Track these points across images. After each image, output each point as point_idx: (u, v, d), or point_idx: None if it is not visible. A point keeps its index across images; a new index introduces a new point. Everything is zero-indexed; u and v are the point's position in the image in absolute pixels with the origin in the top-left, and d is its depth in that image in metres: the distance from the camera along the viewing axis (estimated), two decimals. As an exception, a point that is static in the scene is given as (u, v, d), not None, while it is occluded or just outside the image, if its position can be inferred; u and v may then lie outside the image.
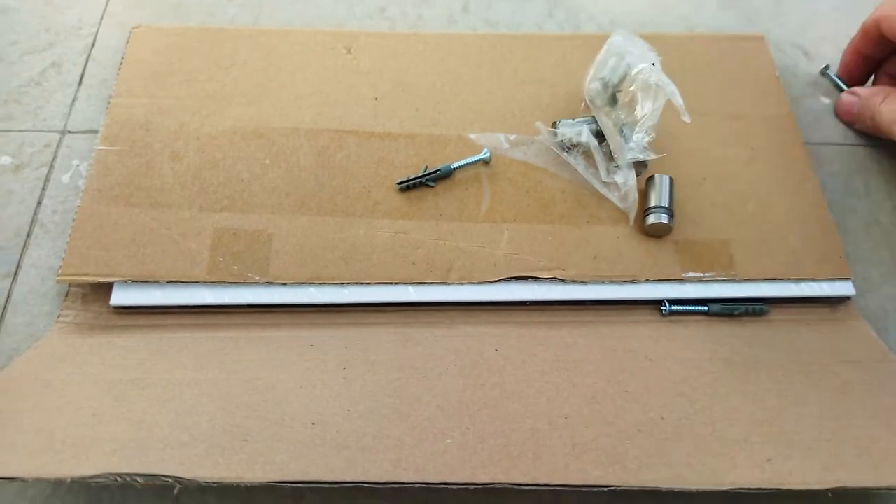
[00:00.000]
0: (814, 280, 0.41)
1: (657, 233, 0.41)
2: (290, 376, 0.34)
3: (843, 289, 0.41)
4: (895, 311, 0.43)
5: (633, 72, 0.40)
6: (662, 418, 0.32)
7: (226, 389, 0.33)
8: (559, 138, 0.43)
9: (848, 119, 0.49)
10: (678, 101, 0.39)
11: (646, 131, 0.40)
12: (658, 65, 0.40)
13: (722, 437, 0.31)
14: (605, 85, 0.42)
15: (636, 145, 0.40)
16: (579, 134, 0.42)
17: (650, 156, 0.40)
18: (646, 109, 0.40)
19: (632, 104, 0.41)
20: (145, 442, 0.30)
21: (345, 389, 0.33)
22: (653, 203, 0.41)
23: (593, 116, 0.43)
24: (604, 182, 0.42)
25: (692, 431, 0.31)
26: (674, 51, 0.49)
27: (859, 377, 0.37)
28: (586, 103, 0.44)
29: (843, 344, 0.39)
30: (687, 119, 0.39)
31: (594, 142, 0.42)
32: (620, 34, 0.42)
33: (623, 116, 0.41)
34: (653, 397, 0.33)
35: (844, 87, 0.50)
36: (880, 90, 0.46)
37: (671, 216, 0.41)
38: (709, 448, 0.31)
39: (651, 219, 0.41)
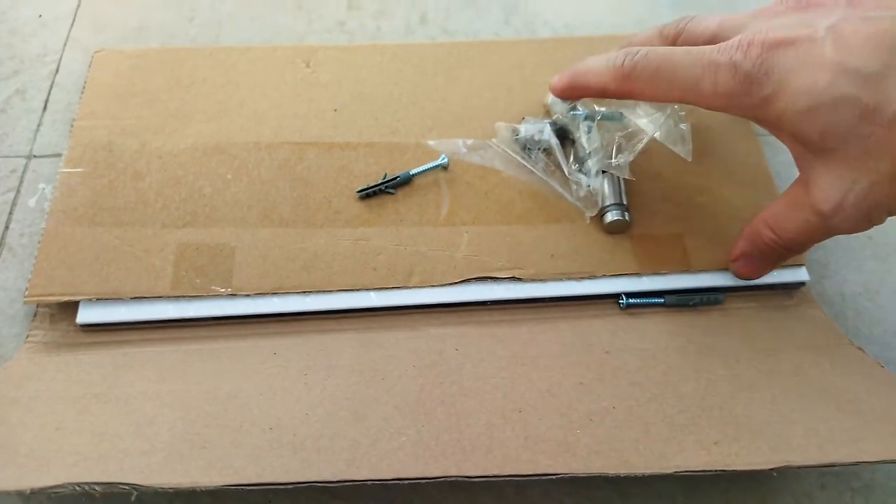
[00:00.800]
0: (768, 268, 0.42)
1: (615, 230, 0.42)
2: (252, 384, 0.35)
3: (797, 274, 0.42)
4: (852, 296, 0.44)
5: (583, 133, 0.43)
6: (614, 407, 0.33)
7: (187, 400, 0.34)
8: (521, 135, 0.44)
9: None
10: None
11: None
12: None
13: (672, 422, 0.32)
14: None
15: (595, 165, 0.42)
16: (541, 132, 0.43)
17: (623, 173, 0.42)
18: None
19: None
20: (106, 452, 0.30)
21: (304, 394, 0.34)
22: (609, 201, 0.42)
23: (555, 116, 0.44)
24: (564, 180, 0.43)
25: (642, 419, 0.32)
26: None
27: (813, 361, 0.38)
28: (546, 108, 0.46)
29: (797, 329, 0.40)
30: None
31: (555, 140, 0.43)
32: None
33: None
34: (606, 388, 0.34)
35: None
36: None
37: (628, 212, 0.42)
38: (658, 434, 0.31)
39: (609, 216, 0.42)
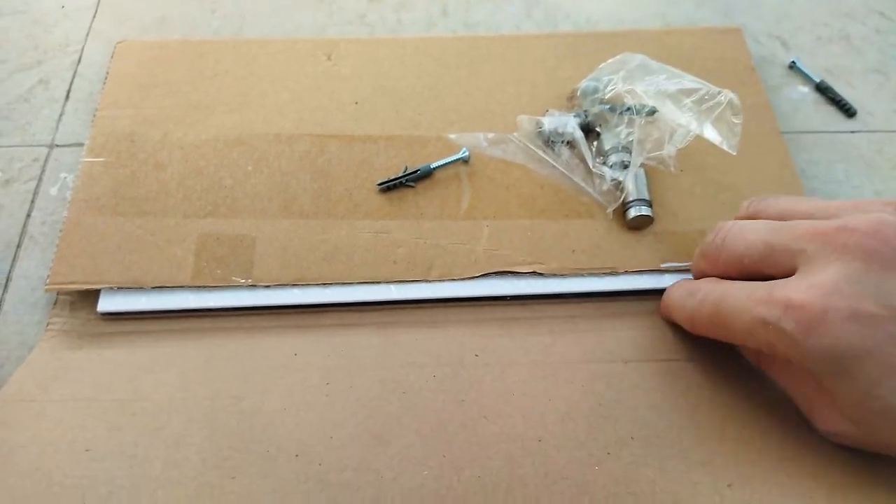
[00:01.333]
0: (793, 266, 0.41)
1: (639, 225, 0.42)
2: (275, 396, 0.35)
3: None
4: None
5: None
6: (632, 438, 0.33)
7: (212, 415, 0.34)
8: (545, 128, 0.44)
9: None
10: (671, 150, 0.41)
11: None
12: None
13: (687, 457, 0.32)
14: (597, 88, 0.44)
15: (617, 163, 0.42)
16: (565, 125, 0.43)
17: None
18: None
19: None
20: (138, 482, 0.31)
21: (327, 411, 0.34)
22: (633, 196, 0.42)
23: (580, 111, 0.44)
24: (587, 174, 0.43)
25: (660, 453, 0.32)
26: (650, 46, 0.50)
27: None
28: (575, 95, 0.45)
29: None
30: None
31: (580, 133, 0.43)
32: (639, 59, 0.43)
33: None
34: (625, 411, 0.34)
35: (815, 78, 0.51)
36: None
37: (652, 208, 0.41)
38: (673, 472, 0.31)
39: (633, 212, 0.41)
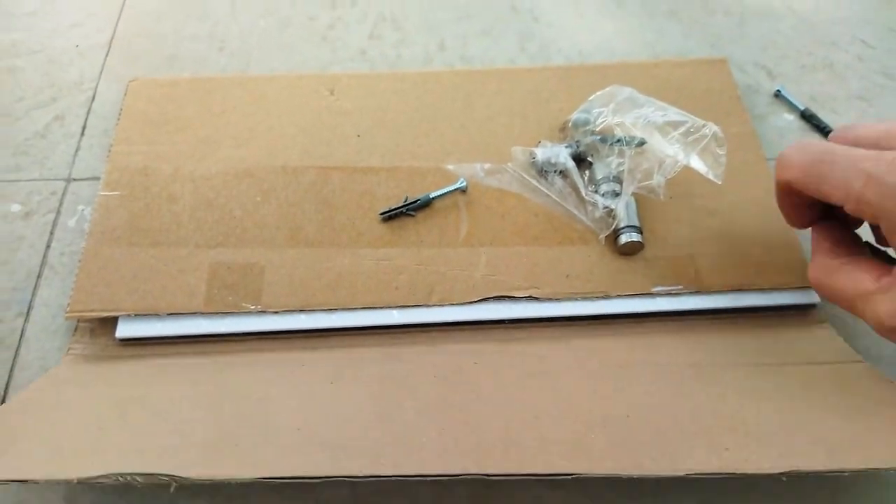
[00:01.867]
0: (779, 289, 0.43)
1: (630, 251, 0.44)
2: (282, 390, 0.37)
3: (808, 297, 0.43)
4: (860, 315, 0.45)
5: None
6: (628, 416, 0.34)
7: (219, 402, 0.36)
8: (538, 158, 0.46)
9: None
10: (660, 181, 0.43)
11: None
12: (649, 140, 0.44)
13: (683, 430, 0.34)
14: (588, 120, 0.46)
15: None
16: (558, 155, 0.45)
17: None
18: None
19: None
20: (145, 448, 0.33)
21: (331, 399, 0.36)
22: (624, 223, 0.43)
23: (572, 142, 0.46)
24: (580, 202, 0.45)
25: (655, 426, 0.34)
26: (640, 78, 0.52)
27: (823, 376, 0.39)
28: (567, 127, 0.48)
29: (808, 348, 0.42)
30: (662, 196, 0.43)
31: (572, 163, 0.45)
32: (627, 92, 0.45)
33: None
34: (621, 397, 0.36)
35: (799, 105, 0.53)
36: (837, 267, 0.36)
37: (642, 234, 0.43)
38: (670, 440, 0.33)
39: (624, 238, 0.43)
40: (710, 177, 0.42)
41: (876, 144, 0.33)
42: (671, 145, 0.43)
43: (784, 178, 0.36)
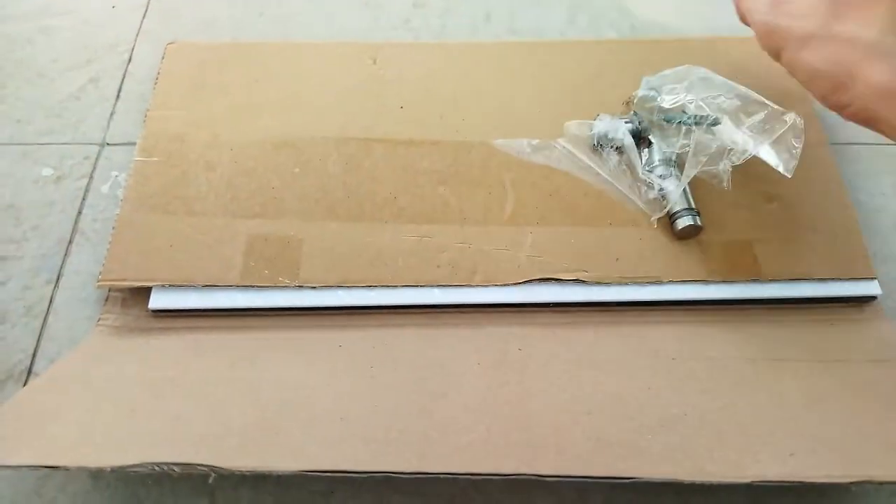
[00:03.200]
0: (839, 280, 0.41)
1: (687, 235, 0.42)
2: (319, 375, 0.35)
3: (868, 288, 0.41)
4: (923, 310, 0.43)
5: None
6: (685, 414, 0.32)
7: (257, 387, 0.34)
8: (595, 131, 0.44)
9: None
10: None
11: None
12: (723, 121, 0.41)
13: (745, 432, 0.32)
14: (655, 96, 0.44)
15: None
16: (617, 130, 0.43)
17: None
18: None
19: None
20: (181, 435, 0.31)
21: (372, 387, 0.34)
22: (680, 206, 0.41)
23: (633, 117, 0.44)
24: (633, 182, 0.43)
25: (715, 427, 0.32)
26: (697, 54, 0.49)
27: (885, 376, 0.37)
28: (632, 101, 0.45)
29: (868, 343, 0.39)
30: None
31: (630, 139, 0.43)
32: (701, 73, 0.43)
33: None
34: (676, 395, 0.34)
35: None
36: None
37: (700, 217, 0.41)
38: (732, 443, 0.31)
39: (682, 222, 0.41)
40: (781, 169, 0.40)
41: None
42: (742, 132, 0.41)
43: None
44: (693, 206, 0.41)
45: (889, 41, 0.31)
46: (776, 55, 0.35)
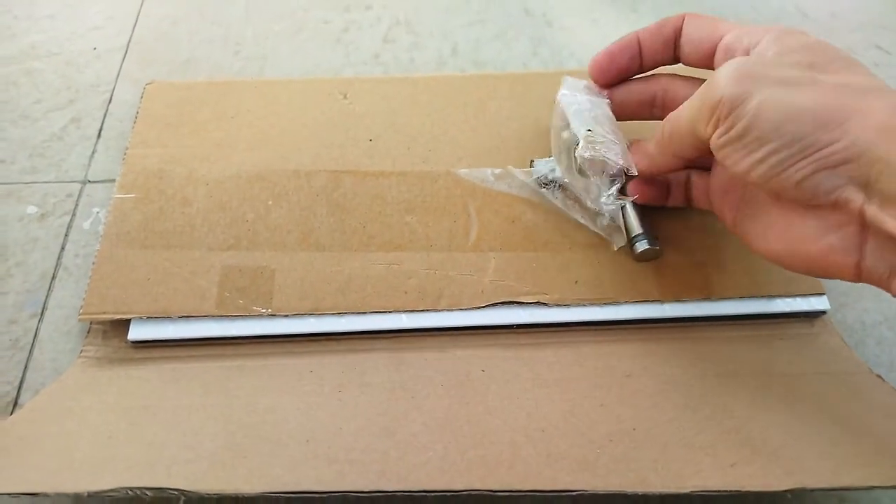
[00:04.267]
0: (789, 296, 0.43)
1: (646, 258, 0.43)
2: (289, 399, 0.37)
3: (818, 303, 0.43)
4: (872, 324, 0.45)
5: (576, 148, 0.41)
6: (634, 429, 0.34)
7: (228, 412, 0.36)
8: (535, 176, 0.46)
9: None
10: (619, 162, 0.40)
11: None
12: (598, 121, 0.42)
13: (690, 444, 0.34)
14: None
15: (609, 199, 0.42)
16: (553, 171, 0.45)
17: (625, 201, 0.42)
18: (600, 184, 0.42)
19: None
20: (154, 460, 0.33)
21: (339, 410, 0.36)
22: (637, 231, 0.43)
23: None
24: (585, 211, 0.45)
25: (661, 440, 0.34)
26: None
27: (831, 388, 0.39)
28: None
29: (817, 356, 0.41)
30: (634, 172, 0.40)
31: (566, 178, 0.45)
32: (567, 86, 0.44)
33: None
34: (627, 410, 0.36)
35: None
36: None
37: (657, 240, 0.43)
38: (676, 455, 0.33)
39: (640, 246, 0.42)
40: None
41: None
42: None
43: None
44: (648, 230, 0.43)
45: (878, 82, 0.30)
46: (742, 101, 0.30)
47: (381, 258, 0.44)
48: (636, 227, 0.43)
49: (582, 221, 0.45)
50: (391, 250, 0.44)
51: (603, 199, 0.42)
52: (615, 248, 0.44)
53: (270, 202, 0.46)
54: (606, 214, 0.43)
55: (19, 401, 0.41)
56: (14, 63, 0.56)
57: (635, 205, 0.43)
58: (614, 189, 0.41)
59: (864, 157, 0.27)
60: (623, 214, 0.43)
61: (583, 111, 0.42)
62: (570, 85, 0.44)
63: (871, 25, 0.59)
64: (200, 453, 0.33)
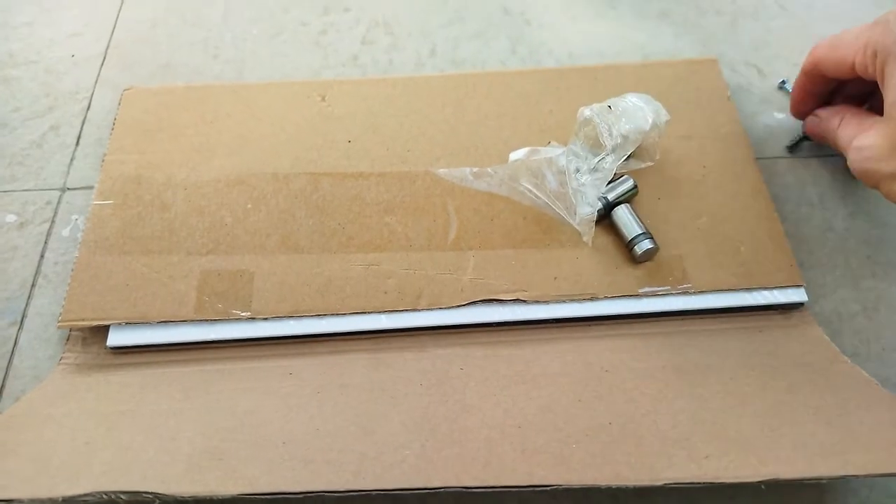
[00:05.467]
0: (766, 288, 0.43)
1: (647, 258, 0.44)
2: (269, 402, 0.37)
3: (795, 295, 0.43)
4: (849, 315, 0.45)
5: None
6: (610, 423, 0.34)
7: (207, 416, 0.36)
8: (531, 160, 0.46)
9: (818, 139, 0.49)
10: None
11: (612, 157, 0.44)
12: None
13: (664, 437, 0.34)
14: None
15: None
16: (559, 158, 0.46)
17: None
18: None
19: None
20: (131, 464, 0.33)
21: (317, 411, 0.36)
22: (636, 231, 0.43)
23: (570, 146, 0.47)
24: (569, 205, 0.45)
25: (636, 434, 0.34)
26: (630, 80, 0.52)
27: (807, 378, 0.39)
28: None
29: (794, 348, 0.42)
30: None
31: (569, 166, 0.45)
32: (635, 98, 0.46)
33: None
34: (603, 405, 0.36)
35: None
36: (836, 113, 0.46)
37: (653, 239, 0.43)
38: (650, 448, 0.33)
39: (641, 247, 0.43)
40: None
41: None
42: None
43: (811, 59, 0.46)
44: (645, 229, 0.43)
45: None
46: (875, 187, 0.41)
47: (361, 259, 0.44)
48: (636, 227, 0.43)
49: (563, 214, 0.45)
50: (370, 251, 0.44)
51: (583, 173, 0.43)
52: (586, 240, 0.44)
53: (249, 206, 0.46)
54: (582, 193, 0.43)
55: (0, 408, 0.41)
56: (-8, 72, 0.56)
57: (631, 207, 0.44)
58: (596, 161, 0.42)
59: None
60: (620, 216, 0.44)
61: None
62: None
63: (847, 18, 0.59)
64: (177, 457, 0.33)
